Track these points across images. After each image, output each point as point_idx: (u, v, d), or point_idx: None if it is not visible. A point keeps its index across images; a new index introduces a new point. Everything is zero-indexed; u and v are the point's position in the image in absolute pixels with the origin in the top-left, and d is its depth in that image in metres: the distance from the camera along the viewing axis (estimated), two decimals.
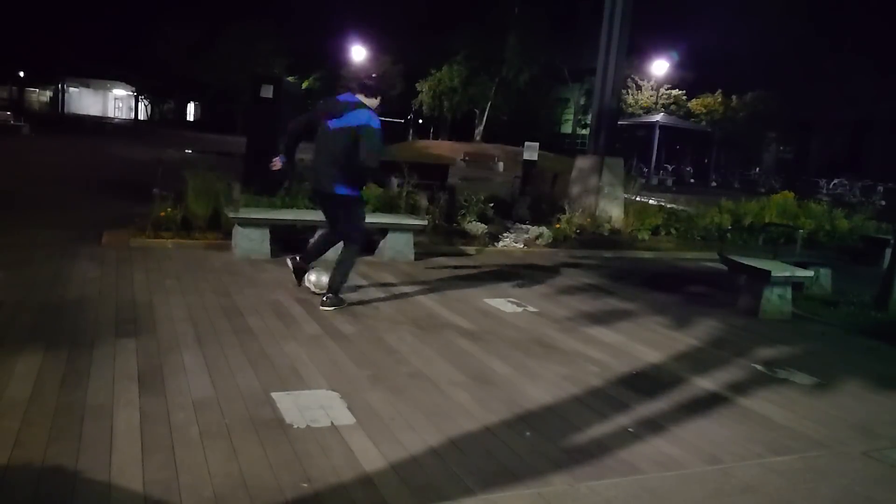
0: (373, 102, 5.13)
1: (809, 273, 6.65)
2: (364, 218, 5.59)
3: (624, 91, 30.01)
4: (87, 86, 55.73)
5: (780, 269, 6.26)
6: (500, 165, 27.70)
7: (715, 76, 30.71)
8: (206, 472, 2.67)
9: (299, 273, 5.53)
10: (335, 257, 5.34)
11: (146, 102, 53.72)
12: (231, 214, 6.80)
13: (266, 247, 6.79)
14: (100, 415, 3.06)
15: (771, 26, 27.87)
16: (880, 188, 25.28)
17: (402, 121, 42.49)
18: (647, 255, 9.56)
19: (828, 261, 7.77)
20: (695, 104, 32.34)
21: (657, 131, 29.39)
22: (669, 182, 28.26)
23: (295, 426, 3.14)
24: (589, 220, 10.12)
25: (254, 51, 38.59)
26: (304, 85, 38.92)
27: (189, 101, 54.17)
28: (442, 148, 32.42)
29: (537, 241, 9.21)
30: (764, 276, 6.20)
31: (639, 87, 32.89)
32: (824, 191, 25.95)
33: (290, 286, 5.64)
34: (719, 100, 31.87)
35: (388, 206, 8.42)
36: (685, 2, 28.58)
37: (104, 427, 2.95)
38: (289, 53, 40.57)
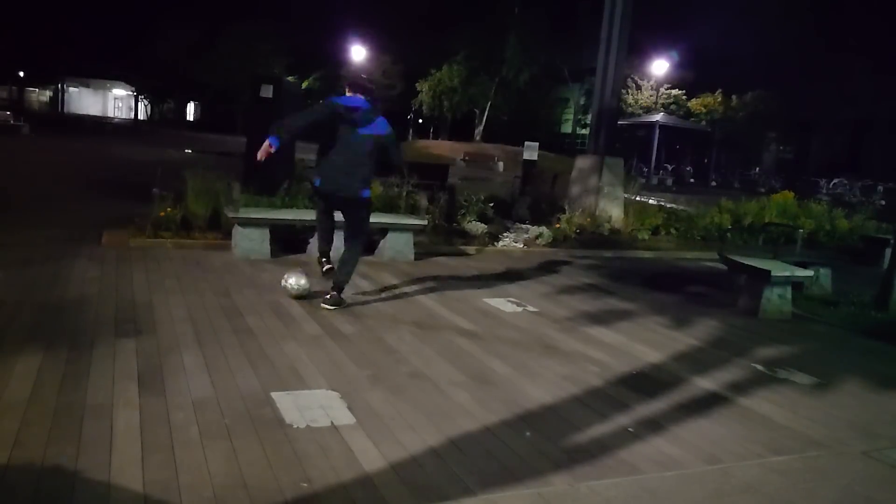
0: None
1: (809, 273, 6.65)
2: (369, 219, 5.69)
3: (624, 91, 30.01)
4: (87, 86, 55.81)
5: (780, 269, 6.26)
6: (500, 165, 27.70)
7: (715, 76, 30.66)
8: (205, 472, 2.67)
9: (330, 272, 5.48)
10: (326, 249, 5.41)
11: (146, 102, 53.72)
12: (231, 214, 6.81)
13: (266, 247, 6.79)
14: (99, 415, 3.06)
15: (771, 26, 27.84)
16: (880, 188, 25.25)
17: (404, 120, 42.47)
18: (647, 254, 9.57)
19: (828, 261, 7.77)
20: (695, 104, 32.30)
21: (657, 131, 29.36)
22: (669, 182, 28.24)
23: (295, 426, 3.13)
24: (589, 219, 10.12)
25: (253, 51, 38.60)
26: (304, 85, 38.89)
27: (189, 101, 54.20)
28: (442, 148, 32.44)
29: (537, 241, 9.21)
30: (764, 276, 6.20)
31: (639, 87, 32.84)
32: (824, 191, 25.92)
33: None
34: (719, 100, 31.82)
35: (388, 206, 8.42)
36: (685, 2, 28.57)
37: (104, 427, 2.95)
38: (289, 53, 40.59)
